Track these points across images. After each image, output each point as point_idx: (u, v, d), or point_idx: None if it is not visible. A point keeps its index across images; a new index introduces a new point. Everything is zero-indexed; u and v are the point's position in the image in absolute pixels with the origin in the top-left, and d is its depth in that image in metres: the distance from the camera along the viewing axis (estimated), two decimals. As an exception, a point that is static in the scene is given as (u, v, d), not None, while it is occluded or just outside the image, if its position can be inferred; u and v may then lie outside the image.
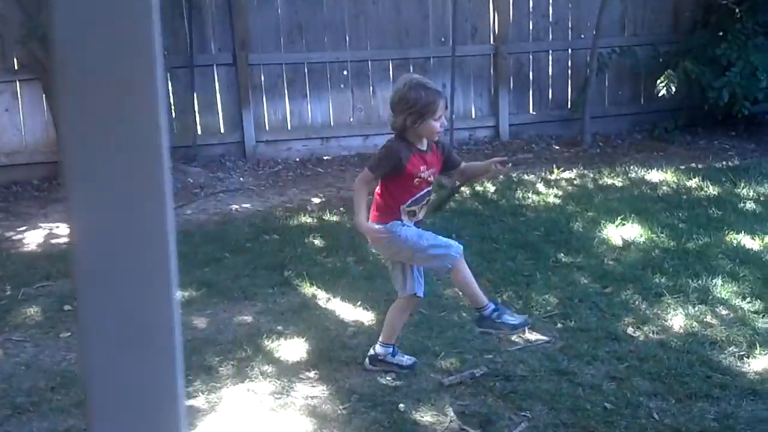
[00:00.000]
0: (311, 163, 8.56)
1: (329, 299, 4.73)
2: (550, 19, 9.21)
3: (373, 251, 5.38)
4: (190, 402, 3.54)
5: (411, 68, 8.94)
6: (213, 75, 8.45)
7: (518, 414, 3.41)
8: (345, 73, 8.80)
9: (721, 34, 8.67)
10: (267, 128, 8.67)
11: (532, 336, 4.18)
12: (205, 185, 7.68)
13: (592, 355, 3.91)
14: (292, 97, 8.71)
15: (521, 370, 3.79)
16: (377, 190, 3.68)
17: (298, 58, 8.59)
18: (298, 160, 8.65)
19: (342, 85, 8.82)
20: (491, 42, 9.07)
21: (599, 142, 9.10)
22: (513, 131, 9.30)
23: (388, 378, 3.74)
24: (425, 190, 3.69)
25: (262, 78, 8.57)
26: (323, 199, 7.14)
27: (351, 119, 8.91)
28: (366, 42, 8.79)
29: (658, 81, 8.50)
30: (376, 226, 3.61)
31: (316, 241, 5.82)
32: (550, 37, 9.26)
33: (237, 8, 8.24)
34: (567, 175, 7.63)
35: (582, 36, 9.19)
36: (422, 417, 3.39)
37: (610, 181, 7.28)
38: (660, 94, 8.48)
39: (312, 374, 3.81)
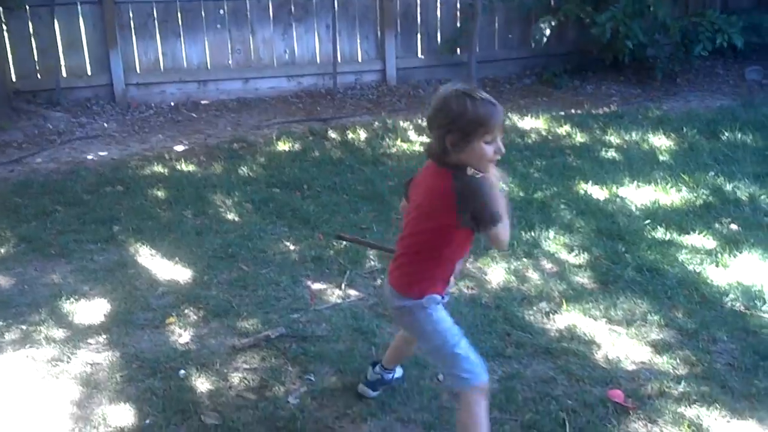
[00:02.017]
0: (186, 108, 8.23)
1: (151, 256, 4.52)
2: (436, -41, 8.94)
3: (219, 203, 5.20)
4: (-39, 371, 3.33)
5: (292, 8, 8.62)
6: (77, 13, 7.96)
7: (303, 378, 3.29)
8: (221, 12, 8.41)
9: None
10: (138, 70, 8.26)
11: (349, 292, 4.06)
12: (64, 131, 7.31)
13: (400, 314, 3.80)
14: (164, 37, 8.30)
15: (322, 330, 3.67)
16: (419, 243, 2.63)
17: (170, -5, 8.17)
18: (172, 104, 8.30)
19: (219, 25, 8.44)
20: (376, -18, 8.77)
21: (487, 86, 8.94)
22: (401, 75, 9.09)
23: (180, 342, 3.58)
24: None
25: (131, 16, 8.12)
26: (187, 147, 6.86)
27: (229, 61, 8.56)
28: (243, -20, 8.40)
29: (533, 29, 8.35)
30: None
31: (159, 193, 5.57)
32: (439, -24, 9.00)
33: (99, -59, 7.75)
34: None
35: (470, -24, 8.93)
36: (201, 384, 3.25)
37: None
38: (536, 39, 8.33)
39: (101, 339, 3.62)
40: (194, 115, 8.03)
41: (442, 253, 2.62)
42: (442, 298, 2.70)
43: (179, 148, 6.83)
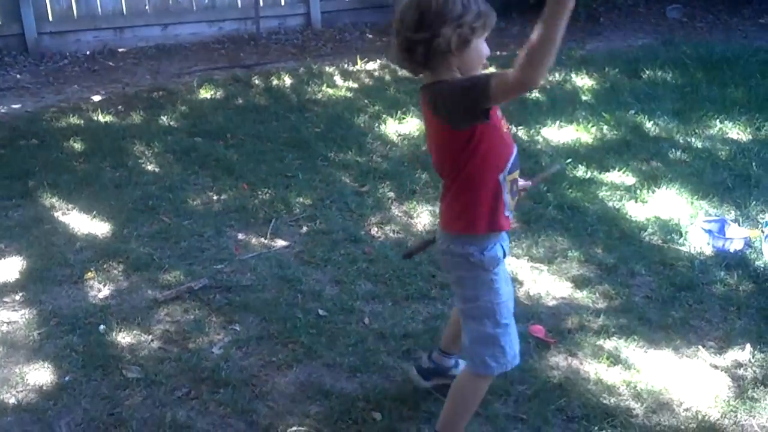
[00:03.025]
0: (102, 57, 7.92)
1: (68, 211, 4.37)
2: None
3: (139, 154, 5.03)
4: None
5: (210, -50, 8.31)
6: (-21, -42, 7.52)
7: (227, 328, 3.26)
8: (136, -45, 8.05)
9: None
10: (50, 19, 7.88)
11: (274, 241, 4.02)
12: (-27, 84, 6.95)
13: (325, 259, 3.80)
14: (76, -18, 7.91)
15: (247, 280, 3.63)
16: (453, 178, 2.21)
17: (79, -62, 7.77)
18: (88, 53, 7.97)
19: (134, -31, 8.09)
20: None
21: (413, 29, 8.85)
22: (326, 19, 8.91)
23: (99, 297, 3.49)
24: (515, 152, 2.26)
25: (39, -39, 7.71)
26: (104, 97, 6.61)
27: (146, 7, 8.23)
28: None
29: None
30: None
31: (77, 145, 5.37)
32: None
33: None
34: (370, 66, 7.39)
35: None
36: (122, 339, 3.18)
37: (408, 73, 7.07)
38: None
39: (18, 296, 3.50)
40: (111, 63, 7.73)
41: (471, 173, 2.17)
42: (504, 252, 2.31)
43: (96, 98, 6.58)
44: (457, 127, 2.13)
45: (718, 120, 5.45)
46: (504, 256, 2.33)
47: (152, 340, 3.17)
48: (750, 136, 5.21)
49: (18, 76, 7.25)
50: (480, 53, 2.18)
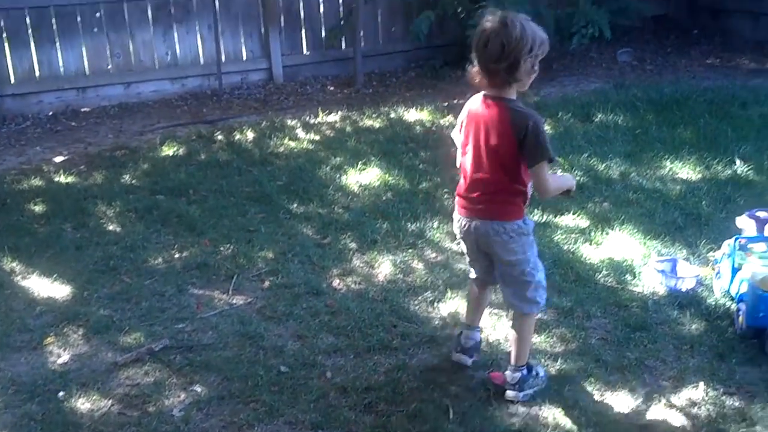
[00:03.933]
0: (65, 117, 7.93)
1: (28, 275, 4.36)
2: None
3: (100, 214, 5.04)
4: None
5: (172, 9, 8.45)
6: (-59, 23, 7.56)
7: (188, 389, 3.26)
8: (98, 15, 8.14)
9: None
10: (12, 81, 7.91)
11: (235, 298, 4.04)
12: (-67, 149, 6.92)
13: (287, 314, 3.83)
14: (39, 44, 7.95)
15: (208, 338, 3.64)
16: (503, 177, 2.95)
17: (43, 1, 7.84)
18: (50, 114, 7.99)
19: (96, 30, 8.16)
20: (257, -22, 8.69)
21: (374, 81, 9.03)
22: (288, 73, 9.04)
23: (58, 362, 3.48)
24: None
25: (2, 25, 7.76)
26: (66, 157, 6.62)
27: (109, 66, 8.30)
28: (118, -19, 8.15)
29: (413, 22, 8.48)
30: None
31: (38, 208, 5.37)
32: (318, -30, 8.99)
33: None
34: (331, 118, 7.49)
35: (348, -27, 8.98)
36: (82, 405, 3.17)
37: (369, 123, 7.21)
38: (417, 33, 8.47)
39: (-24, 365, 3.48)
40: (74, 123, 7.75)
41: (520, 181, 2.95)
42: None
43: (58, 159, 6.59)
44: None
45: (668, 160, 5.61)
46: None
47: (112, 405, 3.17)
48: (700, 175, 5.37)
49: (-21, 139, 7.25)
50: (534, 71, 2.85)
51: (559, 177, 3.16)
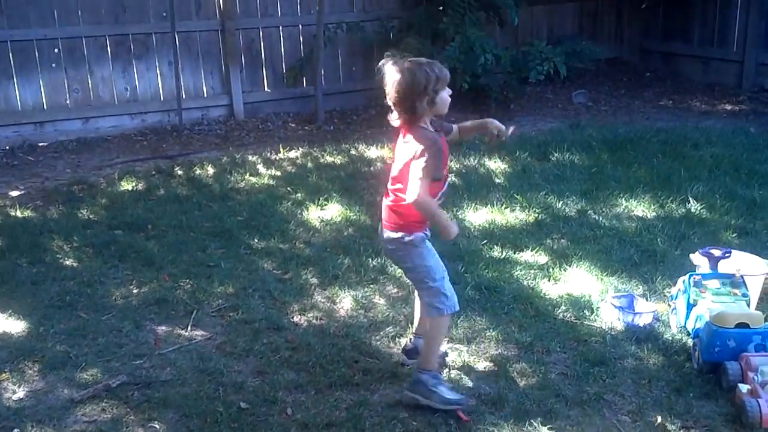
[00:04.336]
0: (22, 151, 7.83)
1: (-19, 310, 4.26)
2: (277, -6, 9.03)
3: (57, 249, 4.97)
4: None
5: (131, 46, 8.44)
6: None
7: (145, 426, 3.20)
8: (56, 51, 8.09)
9: (441, 8, 8.91)
10: (-33, 114, 7.79)
11: (195, 334, 4.00)
12: None
13: (248, 350, 3.80)
14: (-5, 79, 7.88)
15: (167, 374, 3.59)
16: (398, 195, 3.22)
17: (0, 35, 7.78)
18: (7, 148, 7.88)
19: (54, 65, 8.10)
20: (217, 17, 8.74)
21: (335, 118, 9.10)
22: (249, 109, 9.06)
23: (13, 399, 3.40)
24: (448, 181, 3.37)
25: (-43, 58, 7.67)
26: (23, 192, 6.52)
27: (67, 101, 8.24)
28: (78, 17, 8.12)
29: (377, 62, 8.59)
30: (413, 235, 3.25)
31: (-8, 242, 5.26)
32: (279, 12, 9.08)
33: None
34: (292, 154, 7.52)
35: (312, 12, 9.08)
36: (36, 442, 3.09)
37: (330, 160, 7.26)
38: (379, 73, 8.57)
39: (-75, 403, 3.37)
40: (31, 158, 7.65)
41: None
42: (426, 235, 3.28)
43: (14, 193, 6.49)
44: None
45: (623, 198, 5.74)
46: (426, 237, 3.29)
47: (68, 443, 3.09)
48: (654, 213, 5.51)
49: (-68, 172, 7.10)
50: (444, 100, 3.14)
51: (437, 211, 3.15)
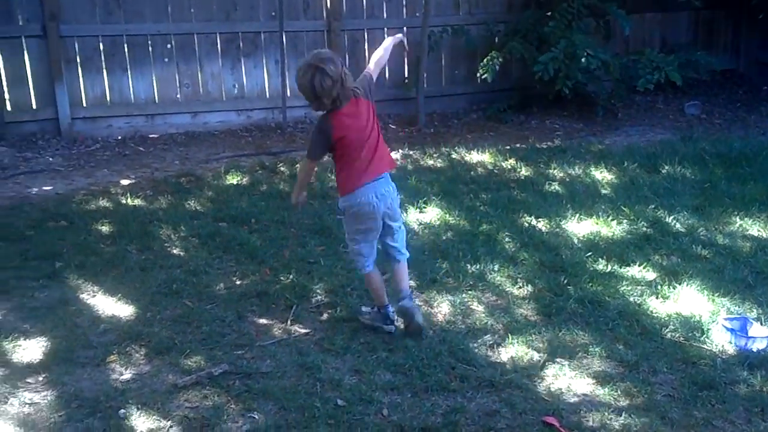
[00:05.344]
0: (133, 142, 8.15)
1: (93, 293, 4.45)
2: (384, -4, 9.08)
3: (164, 238, 5.14)
4: None
5: (240, 43, 8.65)
6: (22, 47, 7.87)
7: (245, 416, 3.25)
8: (169, 46, 8.39)
9: (549, 13, 8.76)
10: (84, 104, 8.17)
11: (293, 328, 4.04)
12: (8, 166, 7.17)
13: (345, 348, 3.81)
14: (111, 71, 8.23)
15: (266, 366, 3.64)
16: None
17: (116, 30, 8.13)
18: (119, 138, 8.22)
19: (166, 59, 8.40)
20: (324, 18, 8.86)
21: (435, 121, 9.08)
22: (350, 109, 9.12)
23: (120, 380, 3.52)
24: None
25: (77, 51, 8.05)
26: (133, 181, 6.78)
27: (177, 95, 8.52)
28: (191, 14, 8.40)
29: (481, 64, 8.53)
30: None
31: (104, 228, 5.49)
32: (385, 14, 9.12)
33: (45, -25, 7.70)
34: (392, 155, 7.51)
35: (417, 14, 9.09)
36: (141, 423, 3.19)
37: (430, 162, 7.24)
38: (482, 78, 8.51)
39: (41, 378, 3.54)
40: (141, 149, 7.96)
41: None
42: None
43: (125, 182, 6.75)
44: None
45: (738, 216, 5.47)
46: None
47: (171, 427, 3.18)
48: (770, 234, 5.22)
49: (50, 159, 7.48)
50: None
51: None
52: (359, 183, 3.80)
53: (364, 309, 4.13)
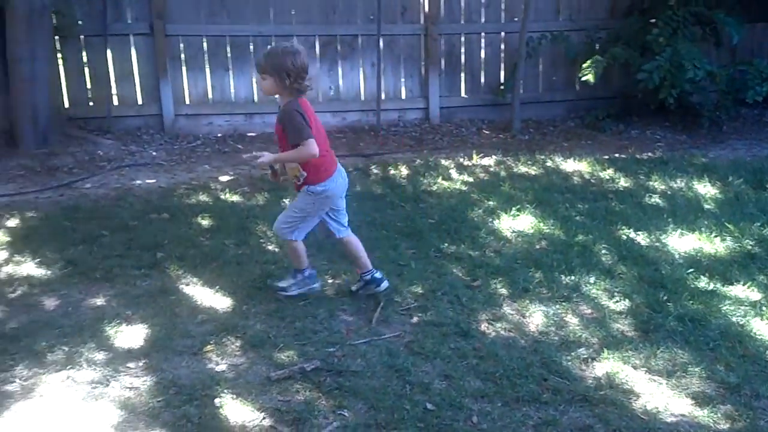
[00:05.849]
0: (232, 140, 8.38)
1: (192, 284, 4.58)
2: (482, 0, 9.02)
3: (261, 234, 5.26)
4: (4, 388, 3.41)
5: (338, 46, 8.77)
6: (129, 44, 8.22)
7: (336, 412, 3.29)
8: (269, 47, 8.55)
9: (653, 20, 8.53)
10: (187, 101, 8.46)
11: (384, 329, 4.07)
12: (114, 158, 7.49)
13: (435, 352, 3.80)
14: (213, 70, 8.50)
15: (357, 365, 3.67)
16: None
17: (220, 30, 8.39)
18: (219, 135, 8.47)
19: (267, 60, 8.58)
20: (421, 22, 8.88)
21: (530, 128, 8.98)
22: (444, 114, 9.15)
23: (216, 370, 3.61)
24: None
25: (182, 49, 8.34)
26: (232, 177, 6.97)
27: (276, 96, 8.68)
28: (291, 16, 8.57)
29: (583, 66, 8.36)
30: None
31: (204, 222, 5.66)
32: (483, 18, 9.08)
33: (154, -23, 8.01)
34: (485, 161, 7.50)
35: (515, 19, 9.01)
36: (236, 413, 3.27)
37: (524, 170, 7.15)
38: (583, 79, 8.35)
39: (141, 363, 3.67)
40: (240, 146, 8.17)
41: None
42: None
43: (224, 178, 6.94)
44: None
45: None
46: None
47: (264, 418, 3.24)
48: None
49: (154, 153, 7.77)
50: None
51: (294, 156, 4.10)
52: (333, 168, 4.19)
53: (281, 284, 4.36)
